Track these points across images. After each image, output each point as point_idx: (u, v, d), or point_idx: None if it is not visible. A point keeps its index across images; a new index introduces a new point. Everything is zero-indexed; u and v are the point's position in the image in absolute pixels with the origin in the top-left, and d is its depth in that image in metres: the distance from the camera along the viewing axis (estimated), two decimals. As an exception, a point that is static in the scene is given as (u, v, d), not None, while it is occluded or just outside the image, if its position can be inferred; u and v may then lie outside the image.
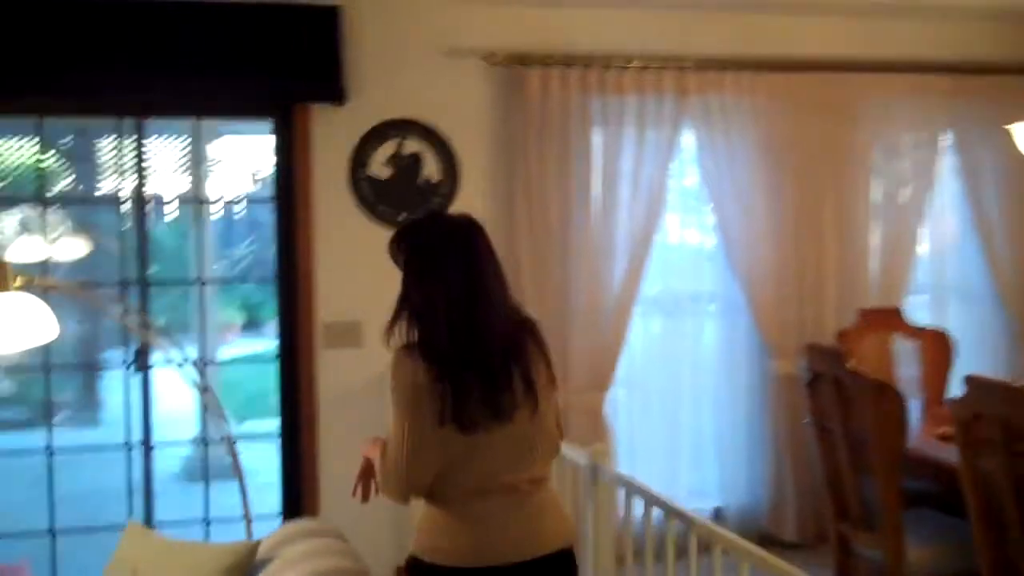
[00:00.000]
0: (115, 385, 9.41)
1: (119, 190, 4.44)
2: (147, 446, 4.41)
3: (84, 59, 4.10)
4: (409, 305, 2.40)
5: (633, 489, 3.05)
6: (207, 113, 4.57)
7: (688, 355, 5.00)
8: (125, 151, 4.40)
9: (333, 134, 4.51)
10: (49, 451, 4.42)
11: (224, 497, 7.17)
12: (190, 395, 8.50)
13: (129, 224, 4.52)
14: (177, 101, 4.38)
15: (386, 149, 4.57)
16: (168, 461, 7.07)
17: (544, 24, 4.70)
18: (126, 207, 4.47)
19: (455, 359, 2.32)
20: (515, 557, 2.36)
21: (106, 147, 11.39)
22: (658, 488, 4.77)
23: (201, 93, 4.32)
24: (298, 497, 4.47)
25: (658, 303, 4.96)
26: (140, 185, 4.36)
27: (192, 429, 8.27)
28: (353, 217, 4.55)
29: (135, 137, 4.36)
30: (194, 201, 5.14)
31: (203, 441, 4.57)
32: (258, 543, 2.51)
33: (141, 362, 4.41)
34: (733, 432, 4.99)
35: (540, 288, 4.60)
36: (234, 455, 3.19)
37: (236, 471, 3.21)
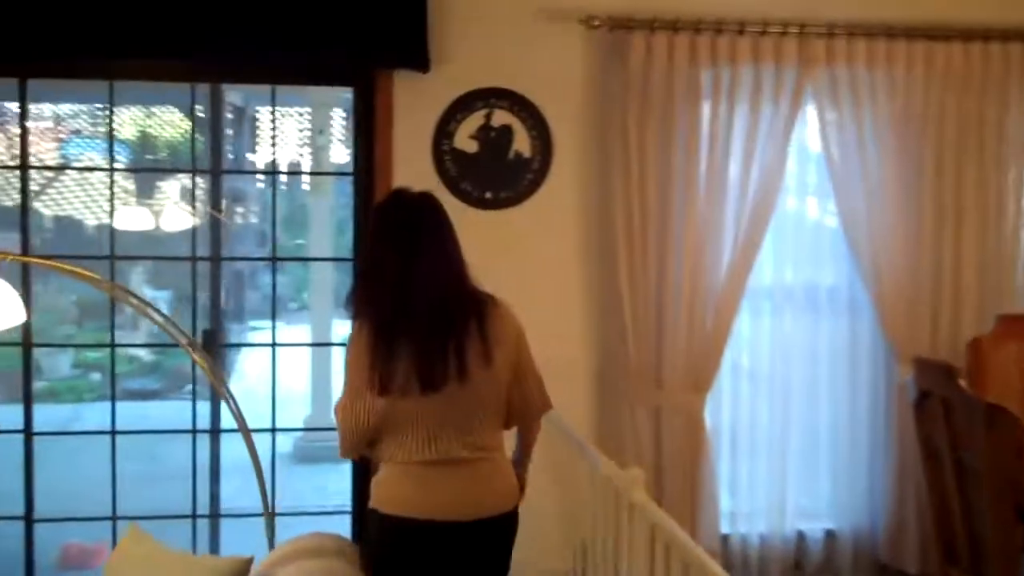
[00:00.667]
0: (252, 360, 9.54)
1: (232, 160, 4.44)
2: (215, 431, 4.41)
3: (158, 19, 4.05)
4: (363, 275, 2.76)
5: (660, 532, 2.75)
6: (285, 80, 4.49)
7: (802, 355, 4.61)
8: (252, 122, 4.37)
9: (417, 104, 4.36)
10: (112, 431, 4.45)
11: (335, 483, 7.17)
12: (306, 375, 8.60)
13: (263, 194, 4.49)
14: (253, 66, 4.31)
15: (473, 121, 4.39)
16: (281, 442, 7.16)
17: (651, -15, 4.41)
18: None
19: (393, 329, 2.59)
20: (460, 517, 2.64)
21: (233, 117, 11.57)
22: (763, 506, 4.59)
23: (278, 58, 4.22)
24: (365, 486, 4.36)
25: (769, 295, 4.60)
26: (218, 162, 4.34)
27: (304, 411, 8.39)
28: (441, 197, 4.38)
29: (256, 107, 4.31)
30: (273, 172, 5.13)
31: (272, 431, 4.51)
32: (250, 560, 2.40)
33: (210, 343, 4.40)
34: (851, 445, 4.61)
35: (635, 275, 4.34)
36: (250, 447, 3.11)
37: (255, 462, 3.12)
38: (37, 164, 11.53)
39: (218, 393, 3.16)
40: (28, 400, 4.24)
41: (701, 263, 4.39)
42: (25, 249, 4.19)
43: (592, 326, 4.51)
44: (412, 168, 4.37)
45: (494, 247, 4.43)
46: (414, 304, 2.60)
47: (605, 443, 4.49)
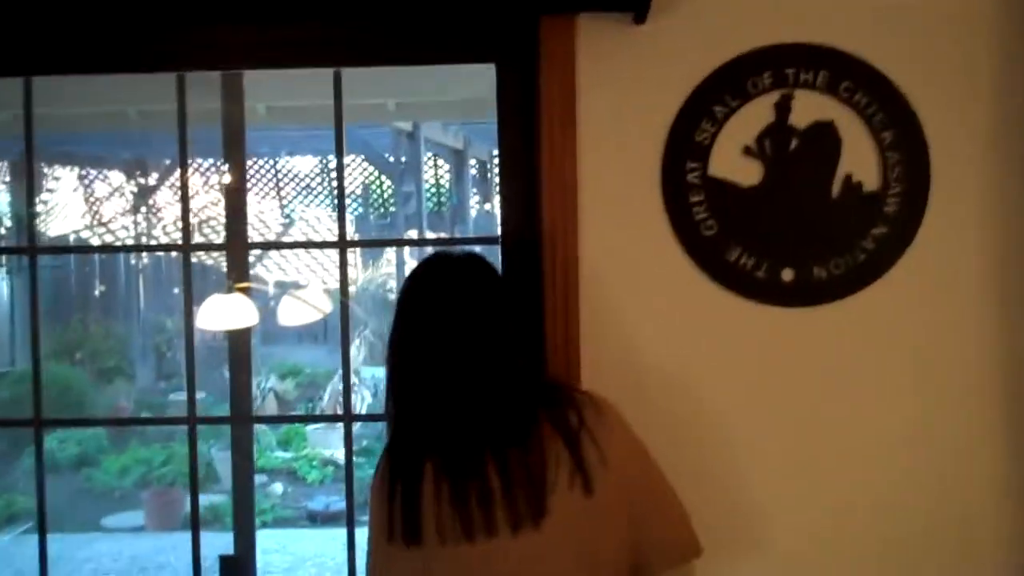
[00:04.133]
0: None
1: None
2: None
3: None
4: (391, 386, 1.82)
5: None
6: (373, 58, 2.27)
7: None
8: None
9: (625, 89, 2.11)
10: None
11: None
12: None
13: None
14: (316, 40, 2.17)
15: (750, 117, 2.09)
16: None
17: None
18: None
19: (427, 450, 1.73)
20: None
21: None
22: None
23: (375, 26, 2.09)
24: None
25: None
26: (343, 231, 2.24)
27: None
28: (670, 275, 2.12)
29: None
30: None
31: None
32: None
33: None
34: None
35: None
36: None
37: None
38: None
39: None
40: None
41: None
42: None
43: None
44: (617, 222, 2.12)
45: (800, 380, 2.14)
46: (456, 416, 1.71)
47: None
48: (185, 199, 2.29)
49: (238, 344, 2.36)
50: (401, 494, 1.72)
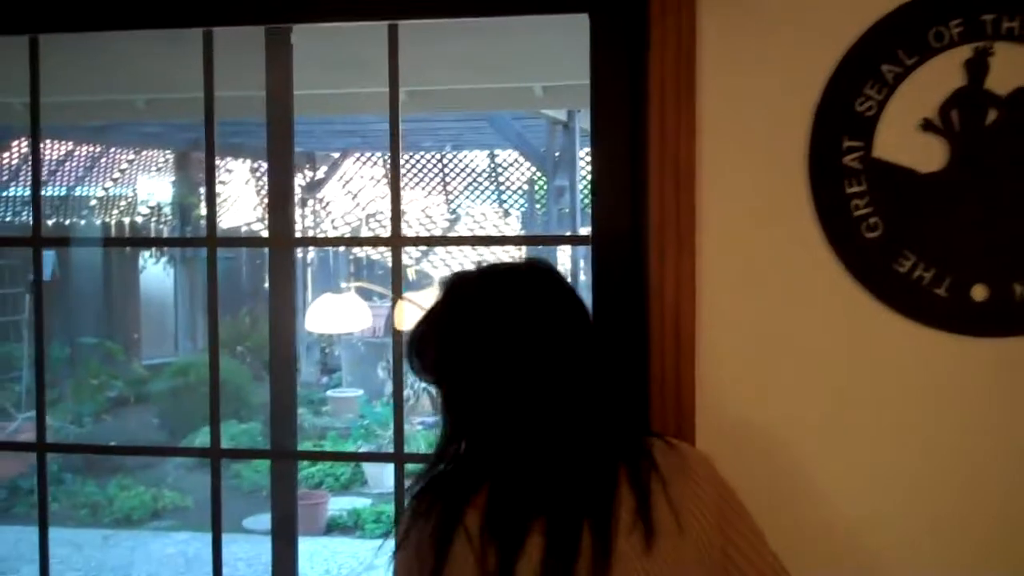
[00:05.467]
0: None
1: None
2: None
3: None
4: (444, 439, 1.46)
5: None
6: (435, 9, 1.85)
7: None
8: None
9: (761, 43, 1.61)
10: None
11: None
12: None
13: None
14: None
15: (929, 81, 1.56)
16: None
17: None
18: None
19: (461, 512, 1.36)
20: None
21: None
22: None
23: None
24: None
25: None
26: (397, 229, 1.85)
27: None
28: (818, 290, 1.61)
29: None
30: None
31: None
32: None
33: None
34: None
35: None
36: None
37: None
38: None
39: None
40: None
41: None
42: None
43: None
44: (748, 219, 1.63)
45: (997, 433, 1.60)
46: (519, 469, 1.34)
47: None
48: (211, 185, 1.92)
49: (280, 357, 1.97)
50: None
